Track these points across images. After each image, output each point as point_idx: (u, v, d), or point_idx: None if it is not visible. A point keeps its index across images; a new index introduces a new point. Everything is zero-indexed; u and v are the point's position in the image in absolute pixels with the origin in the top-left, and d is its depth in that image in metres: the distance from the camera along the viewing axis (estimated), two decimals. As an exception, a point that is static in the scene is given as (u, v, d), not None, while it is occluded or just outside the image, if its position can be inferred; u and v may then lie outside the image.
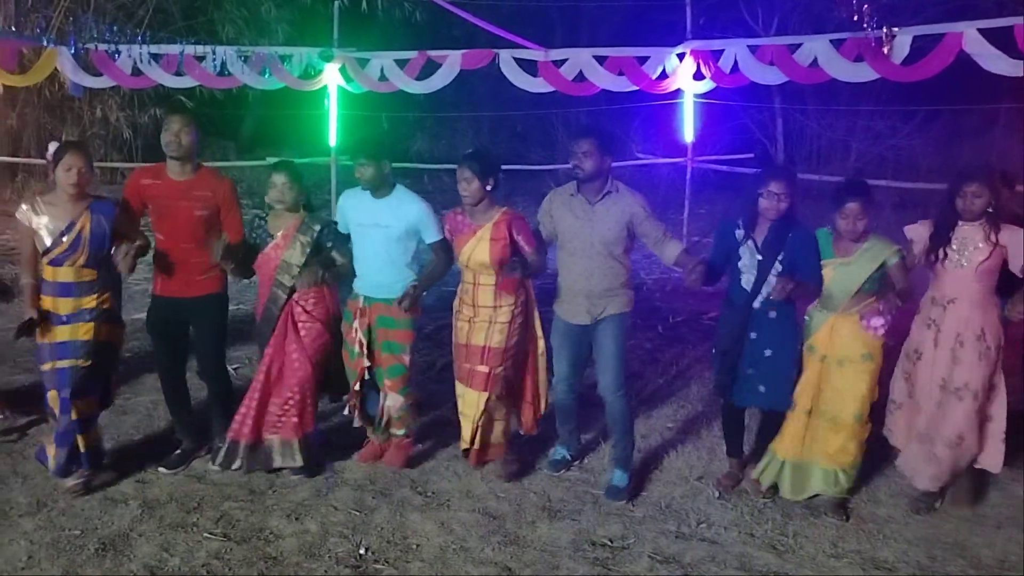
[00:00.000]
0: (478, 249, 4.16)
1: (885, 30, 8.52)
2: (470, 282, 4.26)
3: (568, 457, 4.56)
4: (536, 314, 4.38)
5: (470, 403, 4.25)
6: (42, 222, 3.98)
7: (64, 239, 3.96)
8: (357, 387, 4.42)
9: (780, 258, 4.01)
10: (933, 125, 12.11)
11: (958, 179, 4.02)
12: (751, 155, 12.59)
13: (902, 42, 8.53)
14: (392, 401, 4.38)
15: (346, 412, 4.54)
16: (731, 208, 4.81)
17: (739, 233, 4.10)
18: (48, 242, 3.97)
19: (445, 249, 4.29)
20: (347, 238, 4.36)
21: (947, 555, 3.78)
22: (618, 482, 4.26)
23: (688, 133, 11.34)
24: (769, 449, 4.21)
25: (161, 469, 4.35)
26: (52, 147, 4.19)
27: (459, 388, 4.33)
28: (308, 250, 4.24)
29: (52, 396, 4.06)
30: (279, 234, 4.26)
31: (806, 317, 4.18)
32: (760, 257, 4.03)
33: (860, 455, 4.10)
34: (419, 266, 4.36)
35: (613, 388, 4.23)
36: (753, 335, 4.10)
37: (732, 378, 4.17)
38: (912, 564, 3.71)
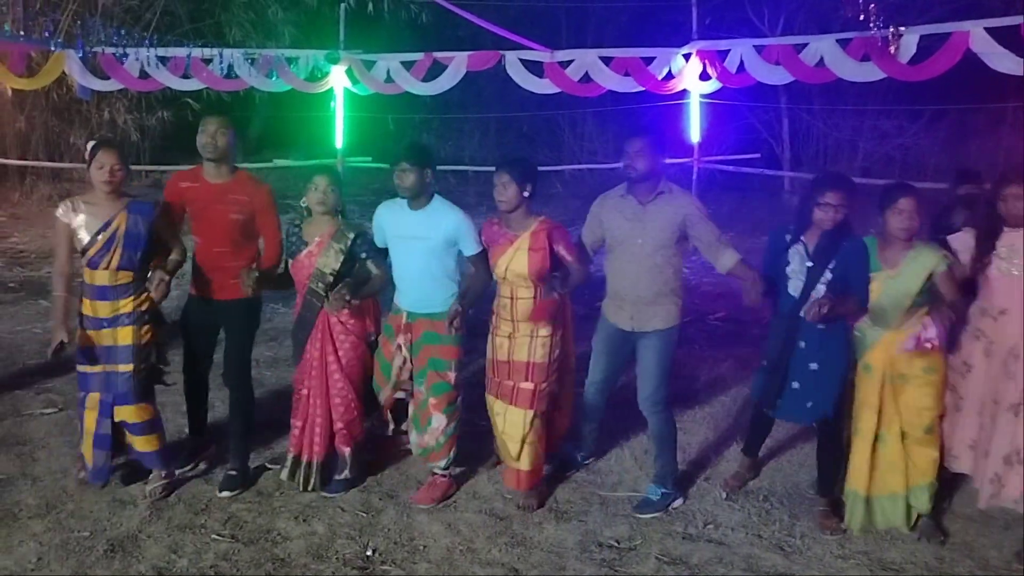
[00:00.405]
0: (515, 260, 3.99)
1: (891, 29, 8.53)
2: (507, 296, 4.07)
3: (579, 460, 4.50)
4: (570, 330, 4.27)
5: (514, 422, 4.08)
6: (80, 221, 3.96)
7: (99, 237, 3.93)
8: (387, 397, 4.30)
9: (831, 266, 3.83)
10: (940, 124, 12.08)
11: (998, 183, 3.87)
12: (757, 155, 12.59)
13: (908, 41, 8.53)
14: (436, 422, 4.14)
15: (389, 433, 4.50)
16: (740, 210, 4.67)
17: (790, 238, 3.95)
18: (85, 239, 3.93)
19: (484, 261, 4.10)
20: (382, 251, 4.21)
21: (955, 556, 3.77)
22: (650, 494, 4.15)
23: (694, 133, 11.35)
24: (847, 492, 3.96)
25: (223, 494, 4.23)
26: (90, 146, 4.14)
27: (497, 406, 4.16)
28: (342, 258, 4.09)
29: (92, 399, 4.03)
30: (314, 240, 4.13)
31: (857, 333, 3.94)
32: (811, 263, 3.86)
33: (935, 470, 3.90)
34: (461, 277, 4.19)
35: (651, 403, 4.08)
36: (802, 344, 3.91)
37: (778, 392, 3.99)
38: (920, 565, 3.70)
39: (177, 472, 4.31)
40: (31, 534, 3.79)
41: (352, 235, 4.14)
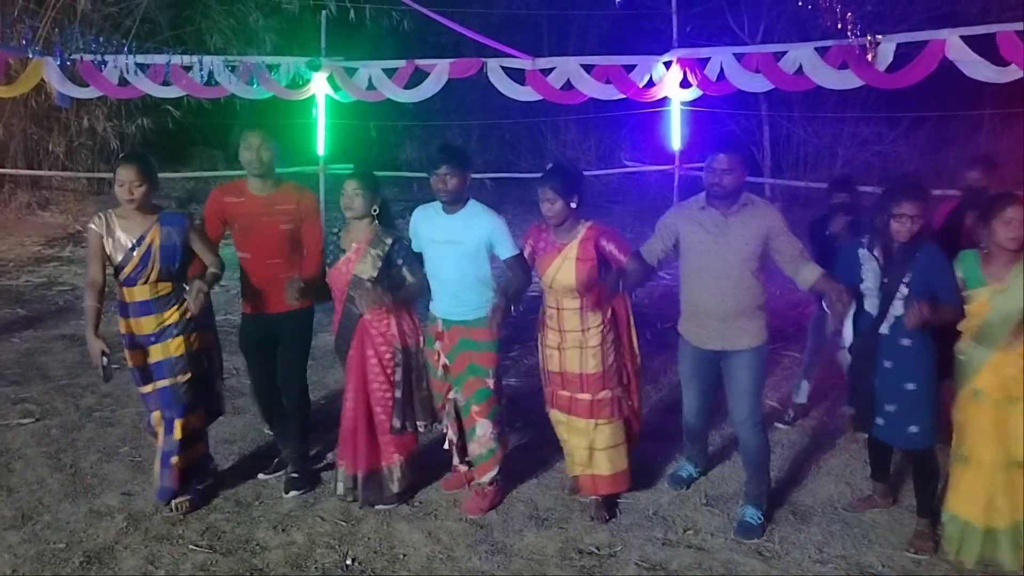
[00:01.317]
0: (563, 270, 3.91)
1: (869, 38, 8.60)
2: (553, 307, 4.02)
3: (694, 475, 4.43)
4: (633, 330, 4.14)
5: (578, 430, 4.05)
6: (114, 237, 3.89)
7: (134, 254, 3.86)
8: (447, 410, 4.23)
9: (906, 280, 3.66)
10: (918, 131, 12.20)
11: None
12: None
13: (886, 49, 8.62)
14: (482, 430, 4.10)
15: (446, 443, 4.37)
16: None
17: (863, 253, 3.79)
18: (119, 258, 3.87)
19: (521, 264, 4.03)
20: (419, 256, 4.14)
21: (932, 559, 3.79)
22: (750, 519, 3.99)
23: (675, 141, 11.40)
24: (956, 521, 3.70)
25: (261, 475, 4.41)
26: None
27: (559, 416, 4.14)
28: (379, 264, 4.01)
29: (156, 417, 4.01)
30: (351, 248, 4.06)
31: (960, 356, 3.70)
32: (885, 279, 3.71)
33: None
34: (496, 283, 4.11)
35: (749, 423, 3.95)
36: (888, 364, 3.75)
37: (871, 411, 3.84)
38: (897, 568, 3.73)
39: (264, 476, 4.40)
40: (6, 546, 3.75)
41: (390, 241, 4.06)
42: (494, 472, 4.17)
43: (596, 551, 3.83)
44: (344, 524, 4.00)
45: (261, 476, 4.41)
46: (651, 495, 4.35)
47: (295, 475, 4.30)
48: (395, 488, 4.15)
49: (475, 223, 4.02)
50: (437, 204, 4.10)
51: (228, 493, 4.25)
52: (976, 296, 3.62)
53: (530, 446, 4.86)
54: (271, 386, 4.38)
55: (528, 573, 3.66)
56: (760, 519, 4.02)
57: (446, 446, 4.38)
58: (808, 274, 3.83)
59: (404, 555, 3.77)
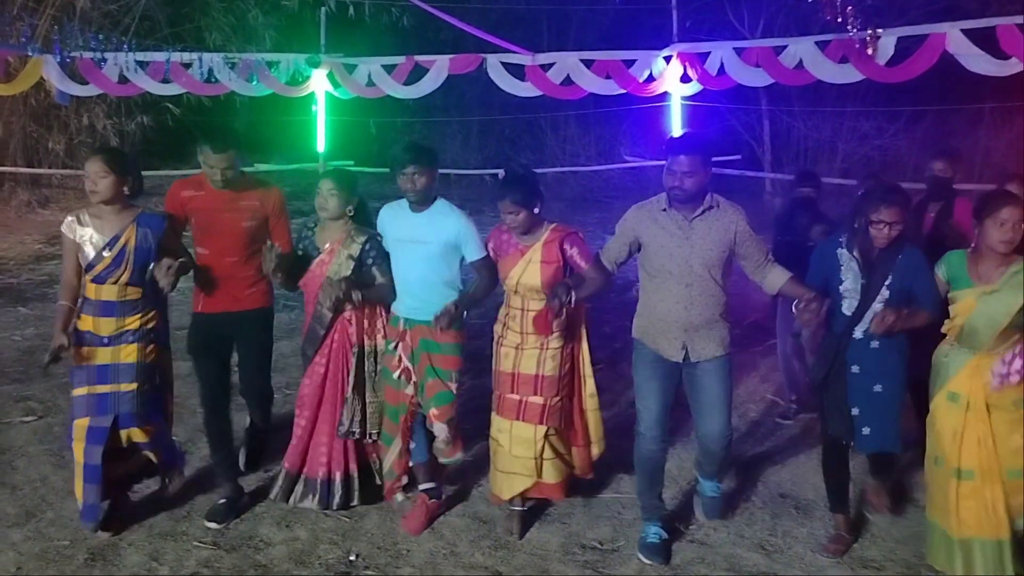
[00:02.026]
0: (527, 272, 3.79)
1: (869, 31, 8.60)
2: (518, 307, 3.88)
3: (666, 536, 3.82)
4: (585, 348, 3.96)
5: (524, 439, 3.85)
6: (86, 235, 3.73)
7: (106, 254, 3.71)
8: (404, 421, 3.98)
9: (888, 283, 3.56)
10: (919, 125, 12.18)
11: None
12: (738, 157, 12.67)
13: (886, 43, 8.62)
14: (439, 432, 3.94)
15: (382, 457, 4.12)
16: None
17: (842, 253, 3.67)
18: (91, 256, 3.71)
19: (488, 267, 3.92)
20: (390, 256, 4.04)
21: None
22: (712, 491, 3.95)
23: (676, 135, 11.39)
24: (934, 528, 3.56)
25: (210, 524, 3.94)
26: None
27: (501, 423, 3.93)
28: (353, 264, 3.93)
29: (79, 427, 3.73)
30: (325, 248, 3.99)
31: (942, 358, 3.58)
32: (864, 280, 3.60)
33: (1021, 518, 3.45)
34: (463, 286, 4.01)
35: (721, 438, 3.74)
36: (855, 368, 3.64)
37: (848, 417, 3.66)
38: (899, 563, 3.74)
39: (213, 526, 3.95)
40: (10, 543, 3.76)
41: (362, 239, 3.98)
42: (459, 457, 4.05)
43: (599, 546, 3.84)
44: (347, 520, 4.01)
45: (210, 526, 3.96)
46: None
47: (223, 501, 4.05)
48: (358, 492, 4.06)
49: (442, 223, 3.89)
50: (404, 202, 3.96)
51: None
52: (961, 297, 3.48)
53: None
54: (223, 397, 4.14)
55: (531, 568, 3.67)
56: (718, 490, 3.97)
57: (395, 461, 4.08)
58: (775, 279, 3.70)
59: (407, 551, 3.78)
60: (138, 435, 3.81)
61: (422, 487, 4.05)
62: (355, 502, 4.05)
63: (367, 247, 3.97)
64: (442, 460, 4.08)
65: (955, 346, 3.54)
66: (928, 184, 4.74)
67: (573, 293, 3.58)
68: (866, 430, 3.66)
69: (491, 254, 3.95)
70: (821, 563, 3.73)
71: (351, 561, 3.70)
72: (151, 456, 3.91)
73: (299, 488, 4.02)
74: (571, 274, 3.80)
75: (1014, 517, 3.42)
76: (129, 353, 3.76)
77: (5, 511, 4.03)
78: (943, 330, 3.60)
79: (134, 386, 3.75)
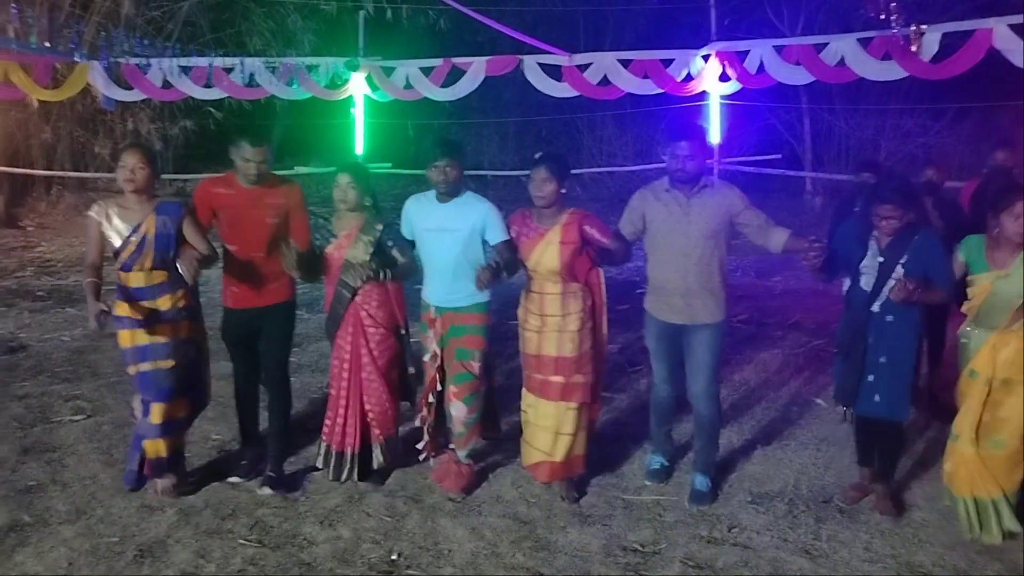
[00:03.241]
0: (547, 254, 4.04)
1: (913, 28, 8.46)
2: (536, 291, 4.14)
3: (666, 464, 4.47)
4: (605, 320, 4.25)
5: (546, 414, 4.14)
6: (112, 224, 4.01)
7: (131, 240, 3.98)
8: (430, 399, 4.36)
9: (903, 261, 3.84)
10: (964, 123, 11.95)
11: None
12: (778, 156, 12.53)
13: (931, 39, 8.47)
14: (456, 411, 4.24)
15: (416, 423, 4.48)
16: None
17: (858, 233, 3.99)
18: (117, 244, 3.99)
19: (511, 249, 4.14)
20: (409, 242, 4.28)
21: (984, 559, 3.72)
22: (700, 486, 4.22)
23: (714, 135, 11.30)
24: (954, 496, 3.85)
25: (231, 479, 4.37)
26: None
27: (529, 399, 4.23)
28: (371, 249, 4.18)
29: (137, 401, 4.16)
30: (342, 234, 4.23)
31: (962, 340, 3.91)
32: (882, 259, 3.89)
33: (1017, 479, 3.79)
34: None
35: (706, 396, 4.19)
36: (871, 339, 3.93)
37: (855, 385, 3.98)
38: (949, 568, 3.67)
39: (235, 480, 4.38)
40: (62, 540, 3.84)
41: (380, 226, 4.24)
42: (470, 446, 4.31)
43: (640, 548, 3.82)
44: (389, 520, 4.04)
45: (232, 480, 4.38)
46: (695, 492, 4.32)
47: (272, 474, 4.31)
48: (378, 465, 4.34)
49: (468, 210, 4.15)
50: (431, 193, 4.22)
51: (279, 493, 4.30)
52: (979, 280, 3.77)
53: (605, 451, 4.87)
54: (254, 383, 4.50)
55: (572, 570, 3.66)
56: (709, 486, 4.24)
57: (418, 423, 4.46)
58: (777, 238, 4.06)
59: (449, 551, 3.80)
60: (174, 409, 4.12)
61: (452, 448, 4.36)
62: (344, 478, 4.31)
63: (385, 231, 4.24)
64: (459, 452, 4.31)
65: (974, 326, 3.85)
66: (988, 172, 4.87)
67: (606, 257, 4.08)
68: (876, 397, 3.96)
69: (514, 237, 4.17)
70: (868, 569, 3.67)
71: (393, 560, 3.72)
72: (163, 445, 4.16)
73: (333, 461, 4.32)
74: (595, 251, 4.10)
75: (1011, 477, 3.76)
76: (163, 332, 4.05)
77: (56, 508, 4.12)
78: (963, 310, 3.89)
79: (171, 362, 4.06)
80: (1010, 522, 3.76)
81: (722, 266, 4.13)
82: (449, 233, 4.14)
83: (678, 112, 12.44)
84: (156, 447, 4.13)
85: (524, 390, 4.27)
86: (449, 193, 4.15)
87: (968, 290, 3.82)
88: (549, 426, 4.14)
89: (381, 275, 4.07)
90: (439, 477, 4.34)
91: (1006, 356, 3.73)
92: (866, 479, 4.22)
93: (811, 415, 5.30)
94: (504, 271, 4.09)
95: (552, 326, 4.09)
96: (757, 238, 4.11)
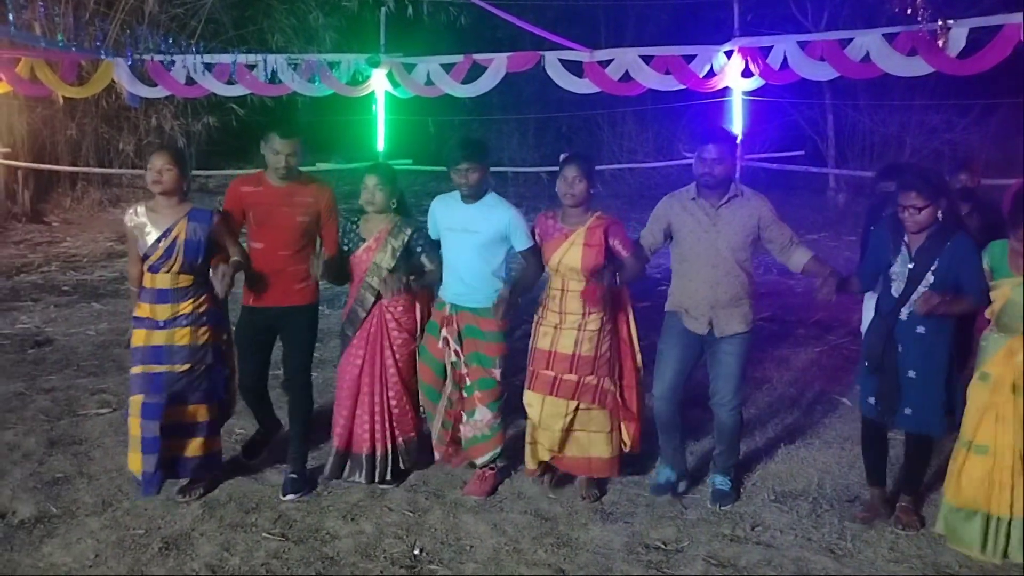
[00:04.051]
0: (570, 254, 4.00)
1: (940, 23, 8.35)
2: (558, 288, 4.08)
3: (673, 479, 4.24)
4: (632, 325, 4.18)
5: (554, 413, 4.06)
6: (143, 227, 4.02)
7: (160, 244, 3.97)
8: (446, 404, 4.27)
9: (934, 268, 3.70)
10: (991, 119, 11.82)
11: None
12: (801, 152, 12.43)
13: (958, 35, 8.36)
14: (480, 415, 4.20)
15: (429, 430, 4.41)
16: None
17: (890, 238, 3.86)
18: (147, 246, 3.99)
19: (536, 255, 4.13)
20: (438, 244, 4.26)
21: (1011, 560, 3.67)
22: (721, 485, 4.18)
23: (737, 131, 11.22)
24: (947, 504, 3.75)
25: (245, 459, 4.49)
26: None
27: (532, 398, 4.13)
28: (399, 253, 4.17)
29: (134, 402, 4.00)
30: (371, 237, 4.21)
31: (982, 343, 3.77)
32: (912, 265, 3.75)
33: None
34: (507, 274, 4.24)
35: (730, 405, 4.10)
36: (900, 348, 3.80)
37: (895, 396, 3.82)
38: (975, 570, 3.63)
39: (246, 461, 4.45)
40: (88, 531, 3.89)
41: (410, 231, 4.22)
42: (492, 454, 4.25)
43: (663, 546, 3.81)
44: (411, 515, 4.05)
45: (244, 459, 4.49)
46: (717, 490, 4.30)
47: (294, 476, 4.25)
48: (401, 467, 4.33)
49: (492, 214, 4.11)
50: (456, 193, 4.20)
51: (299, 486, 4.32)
52: (1000, 286, 3.66)
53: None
54: (262, 383, 4.44)
55: (594, 567, 3.66)
56: (730, 484, 4.20)
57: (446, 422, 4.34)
58: (799, 258, 4.01)
59: (471, 547, 3.80)
60: (185, 415, 4.07)
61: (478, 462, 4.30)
62: (388, 476, 4.27)
63: (415, 236, 4.22)
64: (478, 461, 4.27)
65: (994, 331, 3.72)
66: None
67: (618, 275, 3.92)
68: (908, 410, 3.82)
69: (537, 240, 4.14)
70: (893, 569, 3.64)
71: (416, 556, 3.73)
72: (183, 448, 4.12)
73: (349, 464, 4.29)
74: (613, 260, 4.01)
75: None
76: (183, 336, 4.03)
77: (83, 500, 4.17)
78: (986, 314, 3.76)
79: (187, 366, 4.04)
80: (1017, 549, 3.60)
81: (751, 276, 4.07)
82: (471, 235, 4.12)
83: (700, 108, 12.39)
84: (191, 447, 4.09)
85: (527, 390, 4.17)
86: (472, 195, 4.12)
87: (991, 295, 3.71)
88: (556, 425, 4.07)
89: (413, 288, 4.15)
90: (446, 456, 4.34)
91: (1019, 361, 3.61)
92: (876, 499, 4.04)
93: (835, 414, 5.26)
94: (520, 294, 4.13)
95: (571, 323, 4.05)
96: (779, 255, 4.07)
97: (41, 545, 3.77)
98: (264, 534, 3.88)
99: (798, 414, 5.28)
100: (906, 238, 3.80)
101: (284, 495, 4.18)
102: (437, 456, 4.38)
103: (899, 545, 3.80)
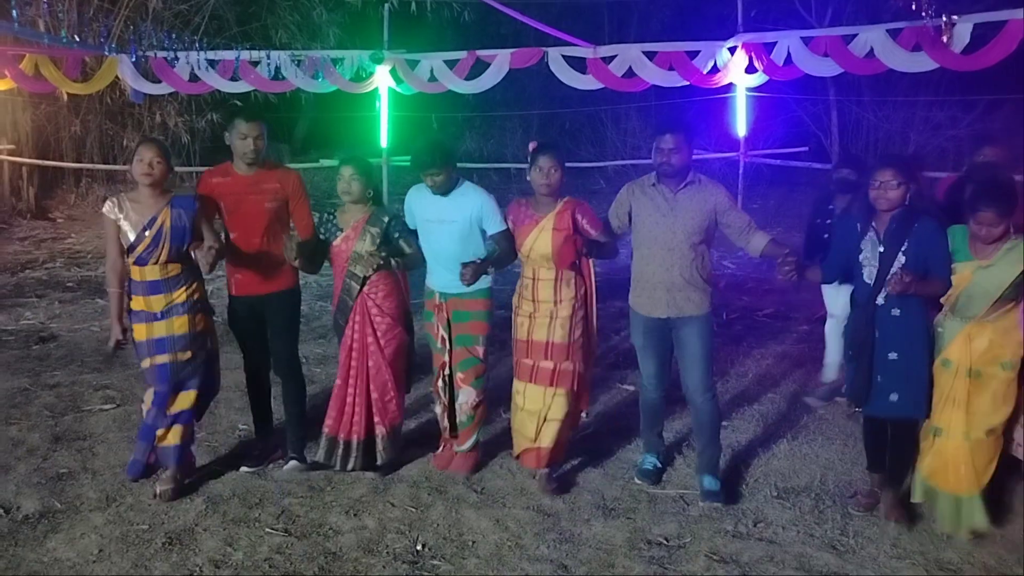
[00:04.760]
0: (540, 240, 4.14)
1: (944, 18, 8.31)
2: (529, 277, 4.24)
3: (659, 465, 4.43)
4: (595, 311, 4.34)
5: (534, 399, 4.22)
6: (126, 218, 4.06)
7: (146, 234, 4.02)
8: (440, 384, 4.43)
9: (904, 248, 3.78)
10: (995, 115, 11.76)
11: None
12: (805, 148, 12.41)
13: (962, 30, 8.32)
14: (464, 396, 4.35)
15: (437, 410, 4.54)
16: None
17: (858, 226, 3.91)
18: (132, 238, 4.04)
19: (508, 239, 4.26)
20: (414, 232, 4.38)
21: (1013, 557, 3.67)
22: (710, 486, 4.18)
23: (740, 127, 11.21)
24: (937, 493, 3.84)
25: (244, 468, 4.43)
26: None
27: (518, 385, 4.31)
28: (378, 240, 4.25)
29: (149, 393, 4.17)
30: (349, 226, 4.29)
31: (938, 328, 3.86)
32: (882, 248, 3.82)
33: (988, 475, 3.78)
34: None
35: (701, 389, 4.17)
36: (877, 334, 3.84)
37: (866, 384, 3.89)
38: (978, 566, 3.63)
39: (246, 470, 4.42)
40: (92, 527, 3.90)
41: (387, 218, 4.31)
42: (472, 440, 4.40)
43: (665, 542, 3.82)
44: (414, 510, 4.06)
45: (244, 470, 4.44)
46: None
47: (294, 456, 4.43)
48: (386, 456, 4.35)
49: (465, 202, 4.25)
50: None
51: (301, 478, 4.35)
52: (960, 269, 3.73)
53: (596, 435, 4.87)
54: (264, 369, 4.54)
55: (597, 562, 3.66)
56: (719, 483, 4.21)
57: (438, 410, 4.52)
58: (757, 242, 4.09)
59: (473, 542, 3.81)
60: (189, 400, 4.19)
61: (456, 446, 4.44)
62: (352, 467, 4.31)
63: (392, 224, 4.32)
64: (456, 449, 4.41)
65: (949, 315, 3.82)
66: (968, 169, 4.74)
67: (586, 249, 4.15)
68: (893, 396, 3.86)
69: (510, 226, 4.26)
70: (895, 565, 3.64)
71: (418, 551, 3.74)
72: (167, 437, 4.22)
73: (339, 451, 4.33)
74: (584, 241, 4.16)
75: (981, 474, 3.74)
76: (181, 324, 4.12)
77: (87, 496, 4.18)
78: (941, 300, 3.84)
79: (189, 354, 4.14)
80: (981, 520, 3.76)
81: (706, 261, 4.16)
82: (448, 224, 4.25)
83: (704, 105, 12.37)
84: (169, 435, 4.18)
85: (515, 379, 4.33)
86: (443, 193, 4.25)
87: (952, 278, 3.77)
88: (536, 411, 4.21)
89: (392, 263, 4.23)
90: (443, 464, 4.43)
91: (979, 346, 3.73)
92: (876, 485, 4.11)
93: (837, 409, 5.25)
94: (491, 264, 4.24)
95: (544, 312, 4.19)
96: (738, 240, 4.14)
97: (45, 540, 3.79)
98: (267, 529, 3.89)
99: (801, 410, 5.28)
100: (874, 223, 3.85)
101: (286, 465, 4.41)
102: (435, 464, 4.50)
103: (901, 541, 3.80)
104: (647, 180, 4.19)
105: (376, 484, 4.29)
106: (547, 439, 4.22)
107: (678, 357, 4.24)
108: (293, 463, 4.41)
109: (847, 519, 3.98)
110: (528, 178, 4.22)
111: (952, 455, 3.77)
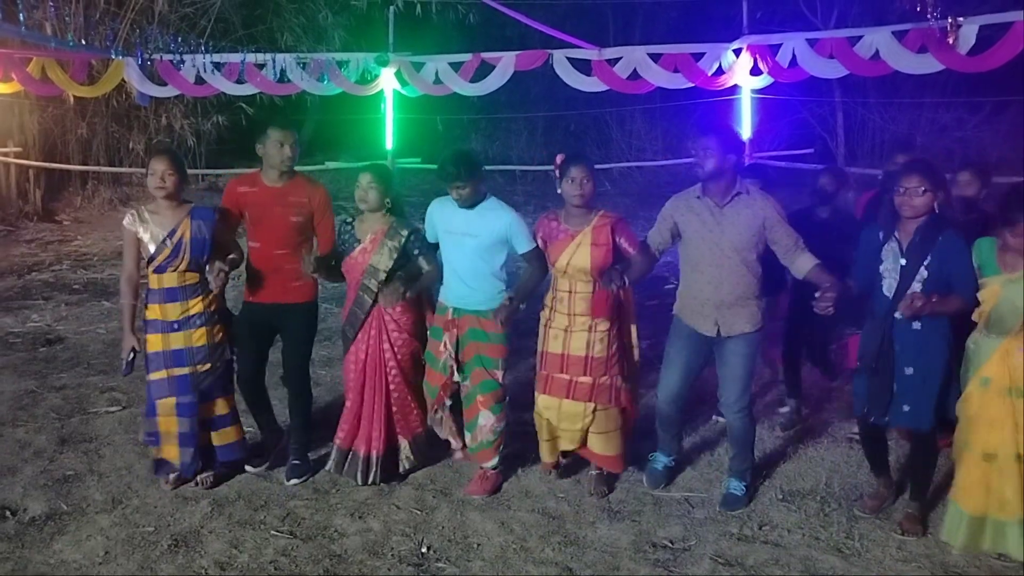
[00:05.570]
0: (578, 255, 3.99)
1: (950, 20, 8.31)
2: (566, 290, 4.07)
3: (670, 465, 4.35)
4: (634, 322, 4.23)
5: (572, 414, 4.09)
6: (146, 230, 4.06)
7: (166, 245, 4.03)
8: (447, 401, 4.33)
9: (926, 263, 3.62)
10: (1002, 116, 11.74)
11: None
12: (810, 150, 12.39)
13: (968, 32, 8.32)
14: (484, 419, 4.19)
15: (431, 424, 4.45)
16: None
17: (880, 235, 3.77)
18: (152, 249, 4.04)
19: (539, 258, 4.13)
20: (434, 246, 4.27)
21: (1018, 562, 3.66)
22: (735, 490, 4.14)
23: (745, 129, 11.21)
24: (949, 502, 3.76)
25: (249, 469, 4.42)
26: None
27: (549, 401, 4.14)
28: (396, 255, 4.16)
29: (166, 404, 4.11)
30: (367, 238, 4.20)
31: (971, 344, 3.70)
32: (904, 261, 3.66)
33: None
34: (508, 276, 4.23)
35: (737, 407, 4.06)
36: (897, 347, 3.71)
37: (883, 400, 3.76)
38: (984, 569, 3.61)
39: (251, 470, 4.43)
40: (98, 528, 3.91)
41: (406, 232, 4.20)
42: (495, 460, 4.26)
43: (670, 545, 3.81)
44: (419, 513, 4.06)
45: (249, 469, 4.42)
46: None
47: (296, 462, 4.38)
48: (407, 466, 4.33)
49: (491, 217, 4.11)
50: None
51: (307, 481, 4.35)
52: (989, 284, 3.59)
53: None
54: (258, 378, 4.47)
55: (602, 565, 3.66)
56: (744, 490, 4.15)
57: (444, 436, 4.45)
58: (802, 264, 3.91)
59: (478, 544, 3.81)
60: (217, 408, 4.24)
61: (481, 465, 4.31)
62: (372, 481, 4.26)
63: (412, 238, 4.20)
64: (487, 463, 4.28)
65: (983, 332, 3.66)
66: (885, 180, 4.72)
67: (625, 277, 3.93)
68: (905, 407, 3.76)
69: (540, 243, 4.14)
70: (901, 568, 3.63)
71: (423, 553, 3.74)
72: (219, 438, 4.30)
73: (349, 461, 4.28)
74: (620, 259, 4.02)
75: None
76: (200, 336, 4.13)
77: (93, 498, 4.19)
78: (973, 317, 3.68)
79: (208, 365, 4.15)
80: (1017, 548, 3.60)
81: (758, 276, 3.98)
82: (471, 238, 4.11)
83: (709, 106, 12.36)
84: (205, 439, 4.22)
85: (540, 394, 4.18)
86: (468, 206, 4.12)
87: (979, 294, 3.61)
88: (575, 427, 4.11)
89: (407, 295, 4.16)
90: (471, 490, 4.26)
91: (1017, 362, 3.56)
92: (882, 487, 4.08)
93: (844, 412, 5.24)
94: (522, 300, 4.14)
95: (581, 325, 4.05)
96: (783, 258, 3.96)
97: (52, 542, 3.80)
98: (273, 531, 3.90)
99: (807, 412, 5.27)
100: (897, 233, 3.72)
101: (288, 480, 4.30)
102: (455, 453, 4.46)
103: (907, 545, 3.79)
104: (692, 192, 4.03)
105: (381, 487, 4.29)
106: (595, 446, 4.15)
107: (719, 370, 4.10)
108: (294, 480, 4.31)
109: (853, 522, 3.97)
110: (559, 191, 4.04)
111: (1001, 478, 3.60)
